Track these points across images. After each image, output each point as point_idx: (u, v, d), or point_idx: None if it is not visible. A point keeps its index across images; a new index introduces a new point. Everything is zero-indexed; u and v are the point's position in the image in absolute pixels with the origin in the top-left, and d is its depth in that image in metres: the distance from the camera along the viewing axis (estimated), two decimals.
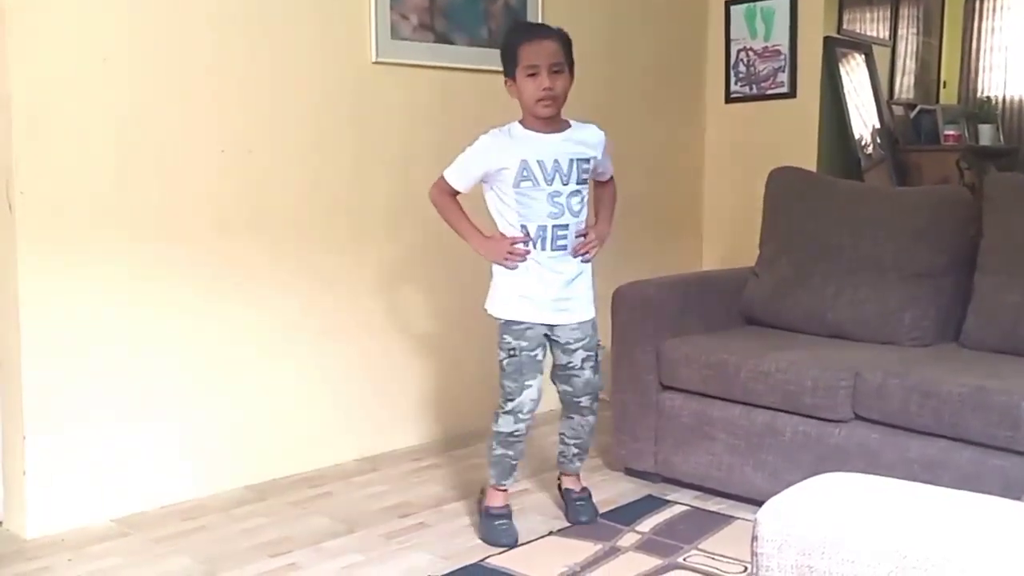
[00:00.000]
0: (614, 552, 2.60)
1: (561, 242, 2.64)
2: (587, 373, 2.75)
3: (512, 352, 2.66)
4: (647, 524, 2.79)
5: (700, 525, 2.77)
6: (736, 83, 4.51)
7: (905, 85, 5.74)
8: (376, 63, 3.39)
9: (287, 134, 3.20)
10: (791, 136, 4.30)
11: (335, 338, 3.37)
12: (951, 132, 5.40)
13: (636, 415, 3.14)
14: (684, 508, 2.92)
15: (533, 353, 2.67)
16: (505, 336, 2.68)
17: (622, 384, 3.15)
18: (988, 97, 6.23)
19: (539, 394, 2.70)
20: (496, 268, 2.69)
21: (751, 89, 4.46)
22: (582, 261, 2.69)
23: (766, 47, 4.39)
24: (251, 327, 3.15)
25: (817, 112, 4.33)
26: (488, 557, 2.56)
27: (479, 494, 2.86)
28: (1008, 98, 6.29)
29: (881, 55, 5.31)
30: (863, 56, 5.08)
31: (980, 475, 2.47)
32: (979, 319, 2.98)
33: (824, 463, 2.67)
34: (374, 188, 3.44)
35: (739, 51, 4.48)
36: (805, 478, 1.26)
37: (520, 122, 2.65)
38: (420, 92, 3.53)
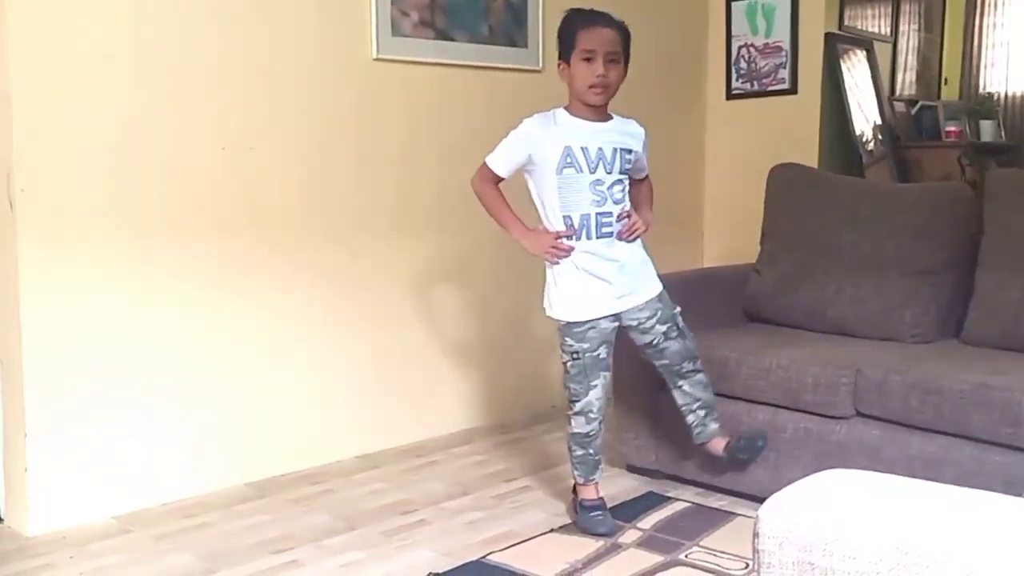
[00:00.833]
0: (615, 549, 2.60)
1: (606, 229, 2.61)
2: (674, 343, 2.71)
3: (575, 355, 2.65)
4: (648, 521, 2.79)
5: (702, 522, 2.77)
6: (737, 79, 4.51)
7: (906, 81, 5.74)
8: (377, 60, 3.39)
9: (288, 131, 3.20)
10: (792, 133, 4.30)
11: (336, 335, 3.37)
12: (952, 128, 5.40)
13: (638, 412, 3.14)
14: (685, 505, 2.92)
15: (596, 353, 2.65)
16: (567, 339, 2.66)
17: (624, 381, 3.15)
18: (989, 93, 6.23)
19: (605, 392, 2.69)
20: (550, 269, 2.66)
21: (752, 85, 4.46)
22: (628, 242, 2.66)
23: (767, 43, 4.39)
24: (252, 325, 3.16)
25: (818, 108, 4.32)
26: (489, 554, 2.56)
27: (571, 491, 2.85)
28: (1009, 94, 6.29)
29: (882, 51, 5.30)
30: (864, 52, 5.07)
31: (981, 472, 2.47)
32: (980, 316, 2.97)
33: (825, 460, 2.66)
34: (375, 184, 3.44)
35: (740, 47, 4.47)
36: (806, 475, 1.26)
37: (566, 108, 2.63)
38: (420, 89, 3.53)
